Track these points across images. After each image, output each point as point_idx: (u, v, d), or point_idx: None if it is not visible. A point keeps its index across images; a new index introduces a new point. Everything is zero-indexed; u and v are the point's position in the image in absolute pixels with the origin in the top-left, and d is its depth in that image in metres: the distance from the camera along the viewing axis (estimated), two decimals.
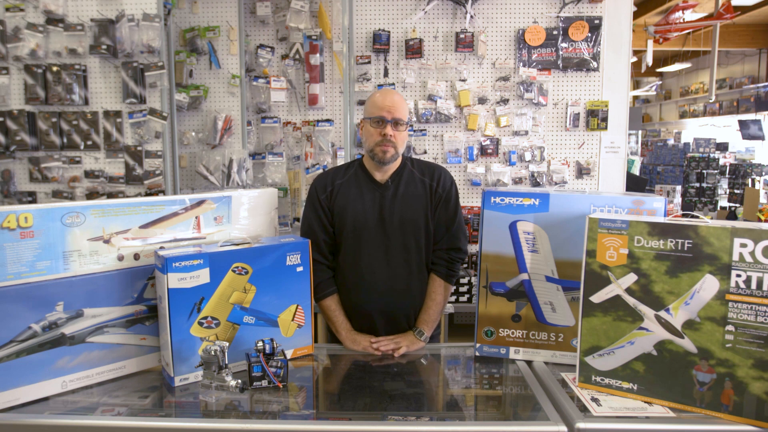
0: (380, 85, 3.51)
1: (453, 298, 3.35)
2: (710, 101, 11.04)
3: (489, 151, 3.56)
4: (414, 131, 3.55)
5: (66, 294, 1.57)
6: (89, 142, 2.98)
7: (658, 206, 1.67)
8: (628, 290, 1.51)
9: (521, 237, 1.73)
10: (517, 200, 1.72)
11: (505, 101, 3.54)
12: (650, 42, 8.12)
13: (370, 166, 2.09)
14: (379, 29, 3.51)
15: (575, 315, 1.72)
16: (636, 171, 9.29)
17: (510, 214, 1.73)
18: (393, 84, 3.52)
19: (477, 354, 1.79)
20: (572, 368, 1.67)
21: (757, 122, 9.29)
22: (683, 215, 1.51)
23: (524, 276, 1.74)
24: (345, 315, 2.07)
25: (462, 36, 3.48)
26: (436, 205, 2.08)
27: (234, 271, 1.67)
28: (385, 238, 2.04)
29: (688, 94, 13.85)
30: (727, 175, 8.69)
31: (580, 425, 1.34)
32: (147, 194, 2.98)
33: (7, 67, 2.93)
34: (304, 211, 2.17)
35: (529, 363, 1.76)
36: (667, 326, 1.46)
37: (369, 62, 3.53)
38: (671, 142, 11.48)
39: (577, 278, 1.66)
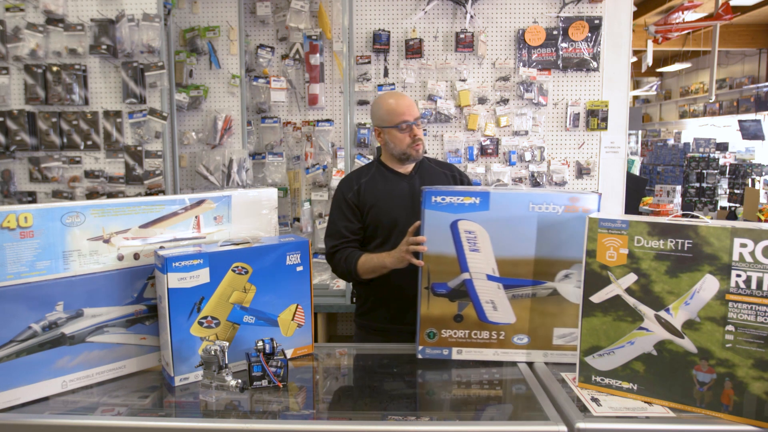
0: (380, 86, 3.51)
1: None
2: (710, 101, 11.04)
3: (489, 151, 3.56)
4: None
5: (66, 294, 1.57)
6: (89, 142, 2.98)
7: (593, 202, 1.69)
8: (628, 290, 1.51)
9: (462, 236, 1.71)
10: (458, 199, 1.70)
11: (505, 101, 3.54)
12: (650, 42, 8.12)
13: (393, 163, 2.21)
14: (379, 29, 3.51)
15: (516, 312, 1.73)
16: (636, 171, 9.29)
17: (451, 214, 1.71)
18: (393, 84, 3.52)
19: (420, 357, 1.77)
20: (572, 366, 1.67)
21: (757, 122, 9.29)
22: (683, 215, 1.51)
23: (466, 275, 1.72)
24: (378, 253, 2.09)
25: (462, 36, 3.48)
26: None
27: (234, 271, 1.67)
28: None
29: (688, 94, 13.86)
30: (727, 175, 8.70)
31: (580, 425, 1.34)
32: (147, 194, 2.98)
33: (7, 67, 2.93)
34: (329, 218, 2.23)
35: (530, 364, 1.75)
36: (667, 326, 1.46)
37: (369, 62, 3.53)
38: (671, 142, 11.49)
39: (518, 275, 1.70)
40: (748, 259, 1.37)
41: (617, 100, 3.54)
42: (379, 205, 2.14)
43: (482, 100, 3.54)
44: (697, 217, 1.47)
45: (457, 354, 1.76)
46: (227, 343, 1.55)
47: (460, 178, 2.30)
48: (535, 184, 3.57)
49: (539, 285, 1.72)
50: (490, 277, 1.72)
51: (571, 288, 1.71)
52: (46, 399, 1.54)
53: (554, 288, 1.72)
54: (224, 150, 3.42)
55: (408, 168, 2.22)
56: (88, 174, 3.00)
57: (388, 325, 2.18)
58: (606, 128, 3.54)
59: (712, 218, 1.61)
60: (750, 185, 8.00)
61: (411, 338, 2.14)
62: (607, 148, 3.59)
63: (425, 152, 2.24)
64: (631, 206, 4.77)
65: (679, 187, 7.44)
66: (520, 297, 1.72)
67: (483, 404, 1.56)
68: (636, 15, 6.29)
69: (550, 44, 3.49)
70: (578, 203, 1.69)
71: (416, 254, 1.78)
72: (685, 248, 1.43)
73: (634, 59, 10.14)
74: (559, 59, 3.50)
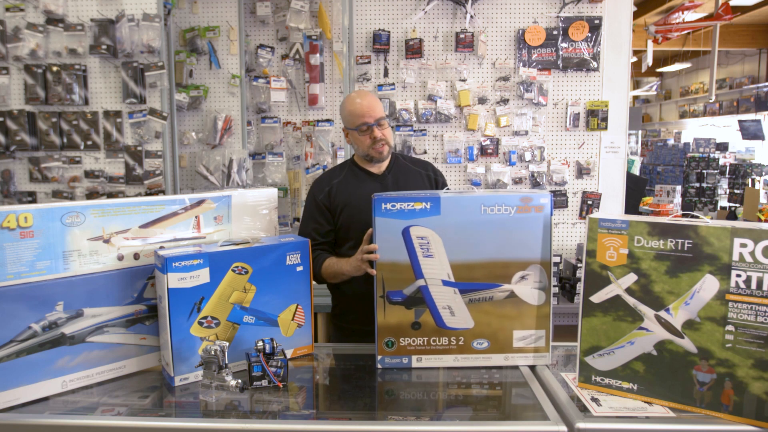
0: (380, 86, 3.51)
1: None
2: (710, 101, 11.04)
3: (489, 151, 3.56)
4: (414, 131, 3.55)
5: (66, 294, 1.57)
6: (89, 142, 2.98)
7: (545, 202, 1.69)
8: (628, 290, 1.51)
9: (415, 242, 1.70)
10: (408, 205, 1.69)
11: (505, 101, 3.54)
12: (650, 42, 8.12)
13: (364, 163, 2.19)
14: (379, 29, 3.51)
15: (474, 317, 1.72)
16: (636, 171, 9.29)
17: (402, 220, 1.70)
18: (393, 84, 3.52)
19: (380, 366, 1.76)
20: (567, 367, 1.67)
21: (757, 122, 9.29)
22: (683, 215, 1.51)
23: (421, 282, 1.71)
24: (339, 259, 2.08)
25: (462, 36, 3.48)
26: (438, 189, 2.22)
27: (234, 271, 1.67)
28: None
29: (688, 94, 13.85)
30: (727, 175, 8.70)
31: (580, 425, 1.34)
32: (147, 194, 2.98)
33: (7, 67, 2.93)
34: (301, 218, 2.23)
35: (531, 366, 1.75)
36: (667, 326, 1.46)
37: (369, 62, 3.53)
38: (671, 142, 11.49)
39: (474, 279, 1.70)
40: (748, 259, 1.37)
41: (617, 100, 3.54)
42: (350, 206, 2.12)
43: (482, 100, 3.54)
44: (697, 217, 1.47)
45: (417, 362, 1.75)
46: (227, 343, 1.55)
47: (435, 177, 2.26)
48: (535, 184, 3.57)
49: (496, 288, 1.71)
50: (445, 283, 1.71)
51: (528, 290, 1.71)
52: (46, 399, 1.54)
53: (511, 290, 1.71)
54: (224, 150, 3.42)
55: (381, 167, 2.19)
56: (88, 174, 3.00)
57: (362, 327, 2.18)
58: (606, 128, 3.54)
59: (712, 218, 1.61)
60: (750, 185, 7.99)
61: None
62: (607, 148, 3.59)
63: (391, 152, 2.18)
64: (631, 206, 4.77)
65: (679, 187, 7.42)
66: (477, 301, 1.71)
67: (483, 404, 1.56)
68: (636, 15, 6.29)
69: (550, 44, 3.49)
70: (531, 203, 1.68)
71: (372, 262, 1.77)
72: (685, 248, 1.43)
73: (634, 59, 10.14)
74: (559, 59, 3.50)
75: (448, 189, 2.26)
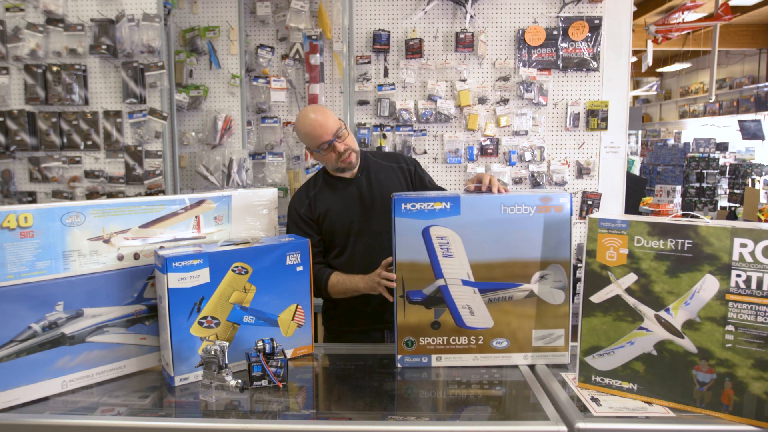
0: (380, 86, 3.51)
1: None
2: (710, 101, 11.04)
3: (489, 151, 3.56)
4: (414, 131, 3.55)
5: (66, 294, 1.57)
6: (89, 142, 2.98)
7: (564, 202, 1.70)
8: (628, 290, 1.51)
9: (435, 242, 1.71)
10: (428, 205, 1.70)
11: (505, 101, 3.54)
12: (650, 42, 8.12)
13: (336, 171, 2.17)
14: (379, 29, 3.51)
15: (493, 316, 1.73)
16: (636, 171, 9.29)
17: (422, 220, 1.70)
18: (393, 84, 3.52)
19: (399, 366, 1.76)
20: (560, 367, 1.67)
21: (757, 122, 9.29)
22: (683, 215, 1.51)
23: (440, 282, 1.72)
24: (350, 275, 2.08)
25: (462, 36, 3.48)
26: (412, 178, 2.22)
27: (234, 271, 1.67)
28: (373, 224, 2.10)
29: (688, 94, 13.86)
30: (727, 175, 8.70)
31: (580, 425, 1.34)
32: (147, 194, 2.98)
33: (7, 67, 2.93)
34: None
35: (531, 365, 1.75)
36: (667, 326, 1.46)
37: (369, 62, 3.53)
38: (671, 142, 11.50)
39: (493, 279, 1.70)
40: (748, 259, 1.37)
41: (617, 100, 3.54)
42: (332, 214, 2.13)
43: (482, 100, 3.53)
44: (697, 217, 1.47)
45: (437, 361, 1.76)
46: (227, 343, 1.55)
47: (408, 168, 2.24)
48: (535, 184, 3.56)
49: (515, 287, 1.72)
50: (465, 282, 1.71)
51: (547, 289, 1.71)
52: (46, 399, 1.54)
53: (531, 290, 1.71)
54: (224, 150, 3.41)
55: (353, 171, 2.18)
56: (88, 174, 3.00)
57: (351, 328, 2.20)
58: (606, 128, 3.54)
59: (712, 218, 1.61)
60: (750, 185, 7.99)
61: (381, 340, 2.16)
62: (607, 148, 3.59)
63: (359, 157, 2.16)
64: (631, 206, 4.77)
65: (679, 187, 7.43)
66: (496, 300, 1.72)
67: (483, 404, 1.56)
68: (636, 15, 6.29)
69: (550, 44, 3.49)
70: (550, 203, 1.69)
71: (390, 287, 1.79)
72: (685, 248, 1.43)
73: (634, 59, 10.14)
74: (559, 59, 3.49)
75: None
